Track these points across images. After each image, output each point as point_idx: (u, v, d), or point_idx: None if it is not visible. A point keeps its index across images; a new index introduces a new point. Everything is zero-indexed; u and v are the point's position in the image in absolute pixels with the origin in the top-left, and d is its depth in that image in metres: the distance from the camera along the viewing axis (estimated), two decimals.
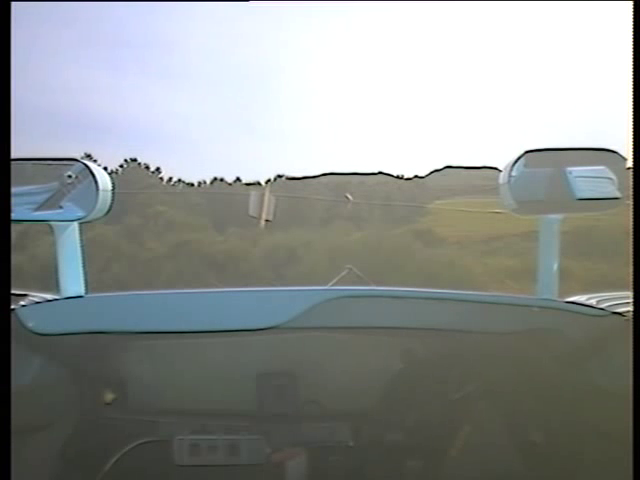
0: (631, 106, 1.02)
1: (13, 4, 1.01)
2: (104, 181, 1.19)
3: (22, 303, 1.16)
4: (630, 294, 1.07)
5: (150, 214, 13.92)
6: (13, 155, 1.06)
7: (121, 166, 17.89)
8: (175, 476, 1.38)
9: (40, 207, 1.15)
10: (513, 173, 1.19)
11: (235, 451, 1.37)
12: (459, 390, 1.34)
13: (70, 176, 1.16)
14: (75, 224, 1.21)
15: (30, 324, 1.13)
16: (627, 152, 1.14)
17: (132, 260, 11.53)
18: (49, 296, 1.21)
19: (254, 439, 1.38)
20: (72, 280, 1.21)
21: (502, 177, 1.22)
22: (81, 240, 1.23)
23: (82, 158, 1.21)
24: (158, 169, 18.51)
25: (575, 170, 1.18)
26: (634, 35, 1.04)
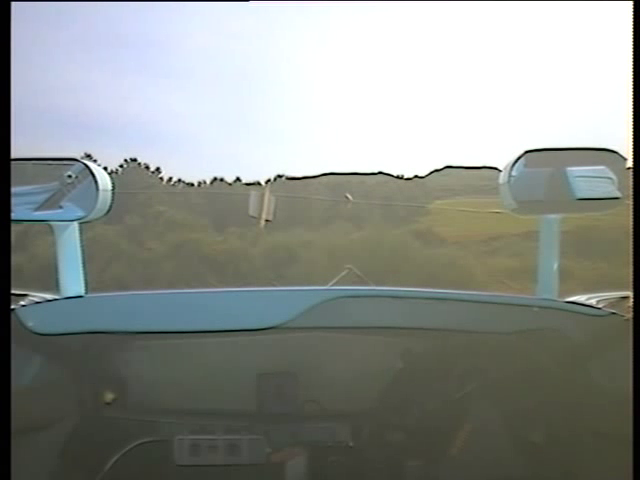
0: (631, 106, 1.02)
1: (13, 4, 1.01)
2: (104, 181, 1.19)
3: (22, 303, 1.16)
4: (630, 294, 1.07)
5: (150, 214, 13.91)
6: (13, 155, 1.06)
7: (121, 166, 17.85)
8: (175, 476, 1.38)
9: (40, 207, 1.15)
10: (513, 173, 1.19)
11: (235, 451, 1.37)
12: (459, 390, 1.34)
13: (70, 176, 1.16)
14: (75, 224, 1.21)
15: (30, 324, 1.13)
16: (627, 152, 1.14)
17: (132, 260, 11.53)
18: (49, 296, 1.21)
19: (254, 439, 1.38)
20: (72, 280, 1.21)
21: (502, 177, 1.22)
22: (81, 240, 1.23)
23: (82, 158, 1.21)
24: (158, 169, 18.49)
25: (575, 170, 1.18)
26: (634, 35, 1.04)
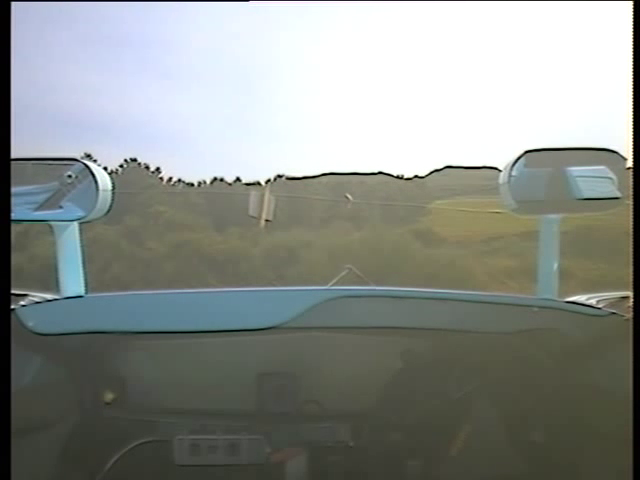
0: (631, 106, 1.02)
1: (13, 4, 1.01)
2: (104, 181, 1.19)
3: (22, 303, 1.16)
4: (630, 294, 1.07)
5: (150, 214, 13.92)
6: (13, 155, 1.06)
7: (121, 166, 17.88)
8: (175, 476, 1.38)
9: (40, 207, 1.15)
10: (513, 173, 1.19)
11: (235, 451, 1.37)
12: (459, 390, 1.34)
13: (70, 176, 1.16)
14: (75, 224, 1.21)
15: (30, 324, 1.13)
16: (627, 152, 1.14)
17: (132, 260, 11.54)
18: (49, 296, 1.21)
19: (254, 439, 1.38)
20: (72, 280, 1.21)
21: (502, 177, 1.22)
22: (81, 240, 1.23)
23: (82, 158, 1.21)
24: (158, 169, 18.52)
25: (575, 170, 1.18)
26: (634, 35, 1.03)
